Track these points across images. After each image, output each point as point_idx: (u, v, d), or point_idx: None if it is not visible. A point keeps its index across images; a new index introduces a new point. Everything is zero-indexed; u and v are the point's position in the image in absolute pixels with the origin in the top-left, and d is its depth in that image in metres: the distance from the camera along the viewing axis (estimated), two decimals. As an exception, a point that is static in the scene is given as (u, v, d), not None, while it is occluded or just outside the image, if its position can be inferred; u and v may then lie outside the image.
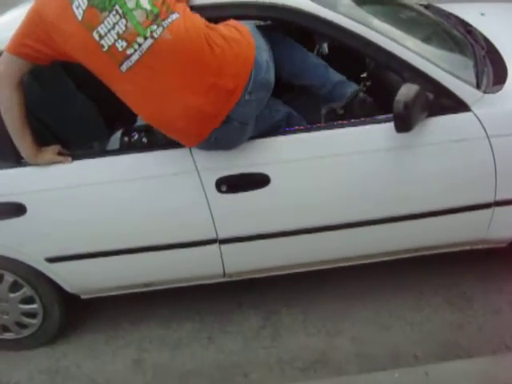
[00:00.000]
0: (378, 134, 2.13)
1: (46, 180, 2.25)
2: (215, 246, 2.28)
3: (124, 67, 1.92)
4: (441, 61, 2.16)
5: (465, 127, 2.11)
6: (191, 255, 2.33)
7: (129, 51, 1.90)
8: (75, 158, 2.27)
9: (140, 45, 1.89)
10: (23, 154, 2.20)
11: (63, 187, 2.24)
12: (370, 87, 2.35)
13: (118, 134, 2.54)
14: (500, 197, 2.20)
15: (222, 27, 1.99)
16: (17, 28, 2.01)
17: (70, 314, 2.69)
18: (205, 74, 1.91)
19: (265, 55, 2.03)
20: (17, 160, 2.27)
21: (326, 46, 2.81)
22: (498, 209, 2.23)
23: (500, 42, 2.56)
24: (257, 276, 2.49)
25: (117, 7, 1.89)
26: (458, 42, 2.57)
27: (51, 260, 2.37)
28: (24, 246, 2.36)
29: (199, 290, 2.60)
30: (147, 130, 2.51)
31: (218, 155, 2.13)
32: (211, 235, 2.25)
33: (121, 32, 1.89)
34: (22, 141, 2.17)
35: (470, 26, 2.79)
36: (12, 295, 2.50)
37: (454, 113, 2.10)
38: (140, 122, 2.79)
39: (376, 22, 2.28)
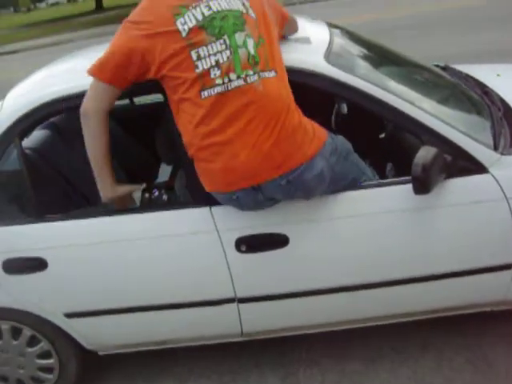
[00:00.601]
0: (396, 194, 2.14)
1: (67, 236, 2.29)
2: (234, 306, 2.28)
3: (205, 94, 1.94)
4: (458, 123, 2.19)
5: (483, 189, 2.12)
6: (209, 314, 2.33)
7: (218, 81, 1.93)
8: (96, 215, 2.32)
9: (231, 81, 1.93)
10: (100, 185, 2.17)
11: (84, 244, 2.27)
12: (388, 148, 2.38)
13: (140, 190, 2.59)
14: (520, 258, 2.18)
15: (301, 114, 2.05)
16: (104, 54, 2.05)
17: (86, 370, 2.66)
18: (267, 138, 1.93)
19: (322, 164, 2.03)
20: (39, 215, 2.31)
21: (344, 105, 2.86)
22: (518, 270, 2.21)
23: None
24: (274, 336, 2.47)
25: (225, 37, 1.95)
26: (475, 103, 2.60)
27: (70, 315, 2.38)
28: (43, 301, 2.38)
29: (216, 349, 2.58)
30: (168, 186, 2.56)
31: (237, 215, 2.15)
32: (230, 294, 2.25)
33: (221, 61, 1.94)
34: (102, 171, 2.15)
35: (487, 87, 2.83)
36: (29, 349, 2.51)
37: (472, 174, 2.12)
38: (161, 178, 2.85)
39: (393, 84, 2.33)
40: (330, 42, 2.36)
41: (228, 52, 1.94)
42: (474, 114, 2.51)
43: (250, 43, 1.96)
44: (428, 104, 2.25)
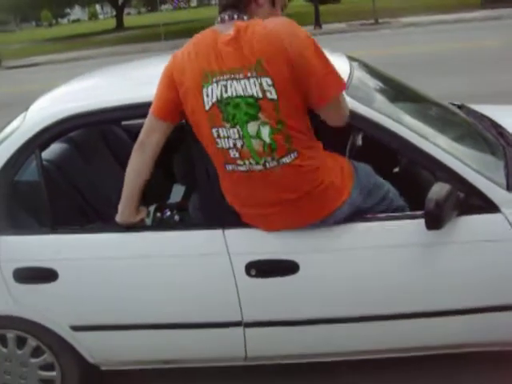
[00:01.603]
0: (407, 229, 2.16)
1: (79, 249, 2.32)
2: (240, 329, 2.28)
3: (229, 168, 2.03)
4: (472, 161, 2.21)
5: (494, 228, 2.13)
6: (215, 336, 2.33)
7: (239, 162, 2.00)
8: (108, 230, 2.36)
9: (251, 164, 1.99)
10: (122, 209, 2.27)
11: (95, 258, 2.30)
12: (401, 183, 2.40)
13: (152, 209, 2.61)
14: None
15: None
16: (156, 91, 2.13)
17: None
18: (289, 201, 2.05)
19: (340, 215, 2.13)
20: (53, 227, 2.34)
21: (360, 137, 2.88)
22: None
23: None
24: (278, 362, 2.47)
25: (238, 128, 1.95)
26: (489, 143, 2.63)
27: (76, 328, 2.39)
28: (51, 312, 2.39)
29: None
30: (180, 207, 2.58)
31: (250, 239, 2.18)
32: (237, 318, 2.25)
33: (238, 146, 1.97)
34: (129, 202, 2.25)
35: (502, 127, 2.85)
36: (33, 360, 2.51)
37: (484, 213, 2.13)
38: (173, 199, 2.87)
39: (410, 120, 2.36)
40: (350, 75, 2.40)
41: (241, 142, 1.96)
42: (488, 154, 2.53)
43: (265, 131, 1.93)
44: (443, 141, 2.28)
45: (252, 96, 1.91)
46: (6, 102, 8.89)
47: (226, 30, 1.97)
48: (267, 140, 1.94)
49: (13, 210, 2.41)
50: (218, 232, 2.20)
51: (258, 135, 1.94)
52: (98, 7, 75.39)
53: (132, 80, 2.74)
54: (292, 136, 1.95)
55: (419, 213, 2.09)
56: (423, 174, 2.28)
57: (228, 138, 1.97)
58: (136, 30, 30.20)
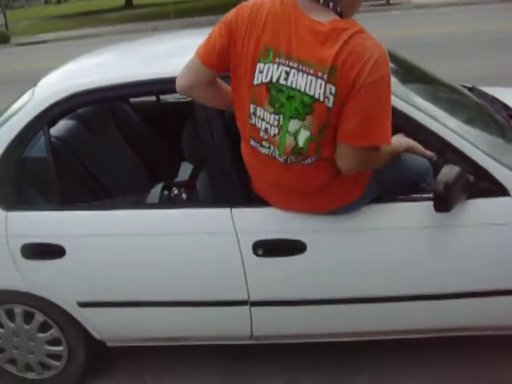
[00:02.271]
0: (416, 211, 2.15)
1: (87, 226, 2.32)
2: (246, 308, 2.29)
3: (252, 143, 2.00)
4: (482, 144, 2.19)
5: (503, 211, 2.12)
6: (221, 314, 2.35)
7: (264, 143, 1.96)
8: (116, 207, 2.36)
9: (273, 150, 1.94)
10: None
11: (102, 234, 2.30)
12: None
13: (159, 187, 2.62)
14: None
15: None
16: (207, 36, 1.99)
17: (94, 361, 2.69)
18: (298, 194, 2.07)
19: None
20: (61, 203, 2.35)
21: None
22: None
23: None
24: (283, 342, 2.48)
25: (281, 117, 1.87)
26: (500, 126, 2.60)
27: (83, 304, 2.40)
28: (58, 288, 2.41)
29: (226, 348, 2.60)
30: (187, 186, 2.58)
31: (257, 218, 2.19)
32: (243, 297, 2.26)
33: (270, 132, 1.91)
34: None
35: (513, 110, 2.82)
36: (40, 335, 2.53)
37: (494, 196, 2.11)
38: (180, 177, 2.87)
39: (420, 101, 2.33)
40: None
41: (277, 130, 1.89)
42: (499, 137, 2.51)
43: (304, 135, 1.86)
44: (453, 123, 2.25)
45: (312, 96, 1.81)
46: (16, 79, 8.86)
47: (316, 15, 1.82)
48: (301, 143, 1.88)
49: (21, 186, 2.41)
50: (225, 211, 2.20)
51: (296, 135, 1.87)
52: (107, -16, 74.87)
53: (141, 57, 2.72)
54: (323, 146, 1.89)
55: (428, 195, 2.08)
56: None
57: (263, 120, 1.90)
58: (145, 8, 30.01)
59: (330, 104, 1.80)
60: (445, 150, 2.12)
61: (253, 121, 1.93)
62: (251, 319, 2.32)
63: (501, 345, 2.45)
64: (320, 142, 1.88)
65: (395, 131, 2.25)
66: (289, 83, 1.83)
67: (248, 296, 2.26)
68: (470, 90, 3.13)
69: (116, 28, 20.32)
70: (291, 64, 1.82)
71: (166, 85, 2.23)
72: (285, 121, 1.86)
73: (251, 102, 1.91)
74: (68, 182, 2.50)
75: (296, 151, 1.90)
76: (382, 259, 2.19)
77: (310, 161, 1.93)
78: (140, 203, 2.59)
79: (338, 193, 2.06)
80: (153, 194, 2.61)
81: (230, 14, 1.94)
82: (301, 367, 2.63)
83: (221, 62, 1.95)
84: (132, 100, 3.45)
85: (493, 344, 2.48)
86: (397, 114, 2.11)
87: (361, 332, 2.41)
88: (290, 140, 1.88)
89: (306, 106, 1.83)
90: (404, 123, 2.14)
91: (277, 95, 1.85)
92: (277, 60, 1.83)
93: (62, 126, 2.79)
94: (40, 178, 2.46)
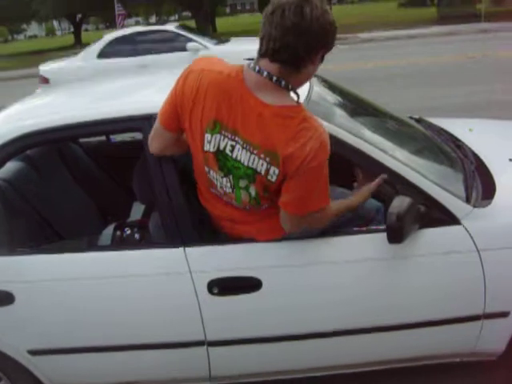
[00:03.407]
0: (370, 243, 2.16)
1: (36, 271, 2.24)
2: (203, 349, 2.24)
3: (212, 191, 2.12)
4: (432, 174, 2.23)
5: (455, 240, 2.15)
6: (178, 356, 2.29)
7: (223, 196, 2.09)
8: (66, 251, 2.30)
9: (233, 202, 2.08)
10: None
11: (53, 279, 2.22)
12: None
13: (111, 228, 2.56)
14: (489, 309, 2.20)
15: None
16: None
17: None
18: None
19: None
20: (10, 248, 2.27)
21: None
22: (486, 321, 2.22)
23: (487, 157, 2.66)
24: (243, 381, 2.43)
25: (230, 177, 2.00)
26: (448, 156, 2.66)
27: (34, 353, 2.30)
28: (7, 336, 2.30)
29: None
30: (140, 225, 2.54)
31: (211, 257, 2.16)
32: (200, 337, 2.21)
33: (224, 188, 2.04)
34: None
35: (460, 141, 2.89)
36: (-12, 387, 2.43)
37: (445, 225, 2.15)
38: (133, 217, 2.83)
39: (369, 134, 2.38)
40: (310, 90, 2.40)
41: (231, 189, 2.02)
42: (448, 167, 2.57)
43: (253, 191, 2.00)
44: (402, 154, 2.30)
45: (255, 170, 1.93)
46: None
47: (263, 94, 1.88)
48: (253, 195, 2.00)
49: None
50: (179, 250, 2.16)
51: (247, 188, 1.99)
52: (55, 23, 74.70)
53: (88, 97, 2.69)
54: (275, 196, 1.99)
55: (380, 227, 2.10)
56: (385, 187, 2.28)
57: (217, 180, 2.04)
58: (95, 46, 29.93)
59: (272, 179, 1.93)
60: (395, 182, 2.15)
61: (210, 175, 2.04)
62: (209, 360, 2.27)
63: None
64: (270, 196, 2.01)
65: (346, 165, 2.29)
66: (234, 155, 1.95)
67: (205, 336, 2.21)
68: (418, 121, 3.21)
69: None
70: (237, 139, 1.93)
71: (113, 125, 2.24)
72: (235, 180, 1.99)
73: (205, 164, 2.03)
74: (17, 226, 2.42)
75: (252, 202, 2.03)
76: (336, 293, 2.18)
77: (266, 206, 2.05)
78: (91, 245, 2.52)
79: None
80: (105, 235, 2.55)
81: (180, 82, 2.01)
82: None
83: (179, 125, 2.05)
84: (81, 140, 3.40)
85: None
86: (346, 147, 2.15)
87: (320, 367, 2.38)
88: (244, 194, 2.01)
89: (249, 177, 1.96)
90: (353, 156, 2.17)
91: (224, 162, 1.97)
92: (223, 133, 1.94)
93: (9, 168, 2.71)
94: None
